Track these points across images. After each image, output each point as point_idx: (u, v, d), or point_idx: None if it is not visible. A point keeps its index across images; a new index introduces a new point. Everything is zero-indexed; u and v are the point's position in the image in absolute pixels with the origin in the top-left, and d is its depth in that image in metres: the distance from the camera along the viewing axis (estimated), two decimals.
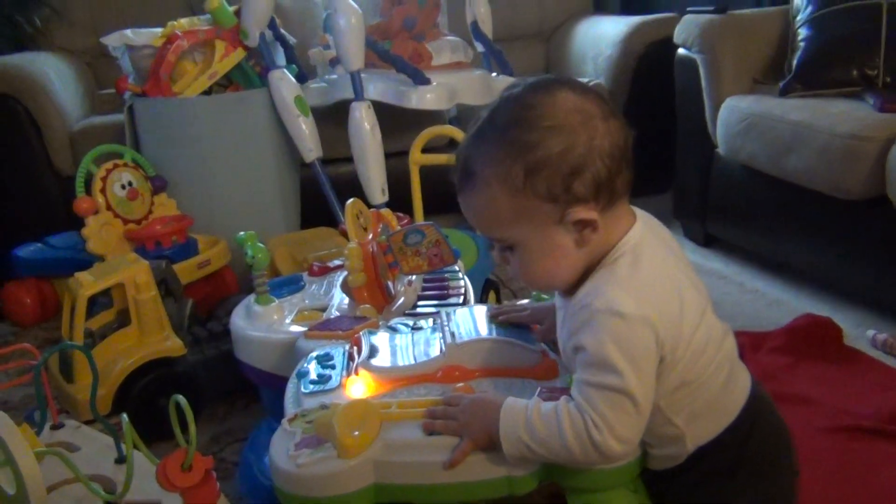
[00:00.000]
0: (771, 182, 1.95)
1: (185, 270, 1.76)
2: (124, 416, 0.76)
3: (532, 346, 0.93)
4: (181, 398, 0.73)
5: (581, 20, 3.15)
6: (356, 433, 0.78)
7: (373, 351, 0.95)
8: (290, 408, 0.90)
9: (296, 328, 1.20)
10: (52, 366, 1.46)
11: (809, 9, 2.10)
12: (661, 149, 2.43)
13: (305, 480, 0.77)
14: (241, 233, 1.31)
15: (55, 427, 0.95)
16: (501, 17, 2.71)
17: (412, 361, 0.92)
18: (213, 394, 1.56)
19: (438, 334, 0.97)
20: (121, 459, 0.86)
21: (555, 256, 0.79)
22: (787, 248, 2.02)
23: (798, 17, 2.13)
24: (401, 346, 0.97)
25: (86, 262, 1.61)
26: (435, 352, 0.93)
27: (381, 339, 0.99)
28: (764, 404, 0.86)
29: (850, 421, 1.36)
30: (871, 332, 1.69)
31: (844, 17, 2.03)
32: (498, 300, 1.98)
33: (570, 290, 0.81)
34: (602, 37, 2.83)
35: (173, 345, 1.47)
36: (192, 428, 0.72)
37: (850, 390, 1.48)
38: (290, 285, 1.38)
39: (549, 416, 0.77)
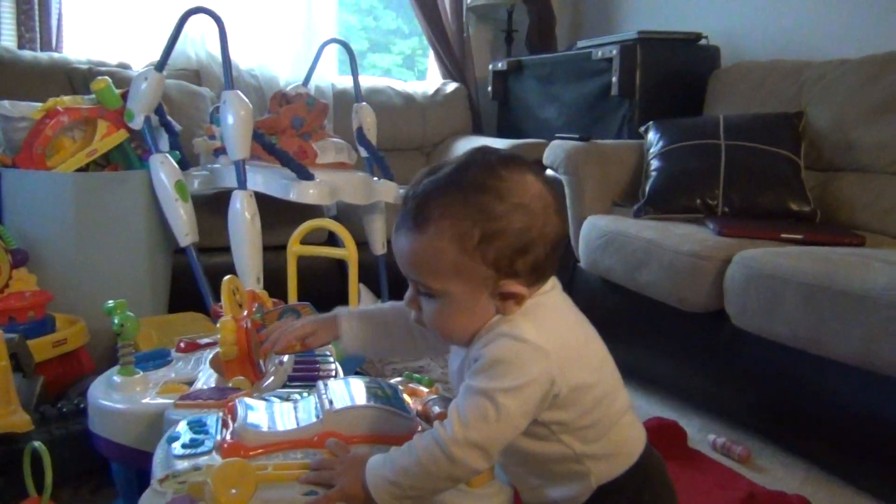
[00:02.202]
0: (626, 294, 2.12)
1: (40, 347, 1.66)
2: None
3: (407, 415, 0.96)
4: (39, 444, 0.70)
5: (461, 138, 3.36)
6: (233, 492, 0.77)
7: (248, 417, 0.94)
8: (159, 470, 0.87)
9: (161, 400, 1.17)
10: None
11: (660, 144, 2.36)
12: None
13: None
14: (110, 301, 1.27)
15: None
16: (385, 129, 2.85)
17: (288, 427, 0.93)
18: (58, 477, 1.45)
19: (314, 401, 0.98)
20: None
21: (473, 315, 0.84)
22: (640, 357, 2.16)
23: (651, 150, 2.38)
24: (277, 412, 0.97)
25: None
26: (312, 418, 0.94)
27: (255, 405, 0.99)
28: (657, 460, 0.94)
29: None
30: (711, 437, 1.82)
31: (689, 153, 2.29)
32: None
33: (466, 344, 0.86)
34: None
35: (19, 420, 1.37)
36: (49, 475, 0.70)
37: (694, 489, 1.58)
38: (156, 359, 1.34)
39: (408, 442, 0.82)
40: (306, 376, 1.32)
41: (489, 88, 3.54)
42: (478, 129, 3.61)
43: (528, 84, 3.33)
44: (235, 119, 2.03)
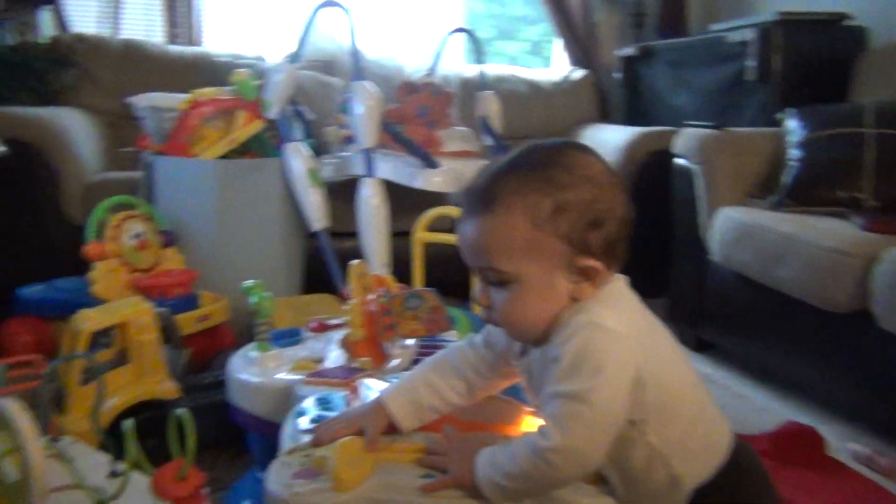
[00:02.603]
0: (762, 290, 2.02)
1: (185, 322, 1.79)
2: (127, 422, 0.78)
3: (522, 403, 0.96)
4: (183, 411, 0.76)
5: (587, 126, 3.30)
6: (352, 469, 0.80)
7: (370, 398, 0.98)
8: (287, 443, 0.92)
9: (292, 376, 1.23)
10: (44, 397, 1.46)
11: (802, 132, 2.22)
12: (656, 254, 2.50)
13: None
14: (249, 281, 1.35)
15: (52, 439, 0.97)
16: (510, 118, 2.85)
17: None
18: (200, 443, 1.56)
19: None
20: (113, 474, 0.87)
21: (548, 299, 0.81)
22: (776, 357, 2.06)
23: (790, 139, 2.25)
24: None
25: (88, 305, 1.64)
26: None
27: (378, 387, 1.02)
28: (750, 452, 0.89)
29: None
30: (852, 446, 1.71)
31: (834, 143, 2.15)
32: None
33: (540, 339, 0.84)
34: (606, 143, 2.95)
35: (167, 388, 1.48)
36: (192, 440, 0.75)
37: (832, 500, 1.49)
38: (289, 337, 1.41)
39: (511, 445, 0.81)
40: None
41: (617, 75, 3.46)
42: (605, 117, 3.53)
43: (658, 70, 3.22)
44: (364, 109, 2.10)
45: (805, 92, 2.49)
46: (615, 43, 3.63)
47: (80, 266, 1.90)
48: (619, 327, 0.78)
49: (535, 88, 3.40)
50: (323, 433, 0.89)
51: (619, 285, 0.85)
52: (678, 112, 2.99)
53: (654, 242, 2.51)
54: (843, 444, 1.74)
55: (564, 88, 3.46)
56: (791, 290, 1.91)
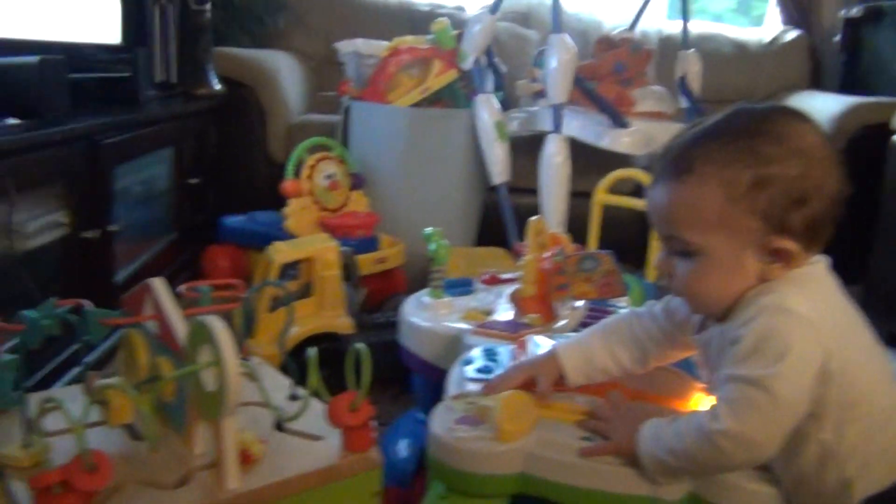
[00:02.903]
0: None
1: (365, 262, 1.88)
2: (311, 350, 0.83)
3: (693, 377, 0.93)
4: (362, 345, 0.80)
5: (795, 93, 3.05)
6: (515, 422, 0.82)
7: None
8: (453, 388, 0.95)
9: (462, 324, 1.26)
10: (235, 321, 1.60)
11: None
12: (856, 237, 2.29)
13: (460, 453, 0.82)
14: (429, 228, 1.39)
15: (244, 358, 1.06)
16: (711, 79, 2.69)
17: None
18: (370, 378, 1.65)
19: None
20: (293, 397, 0.94)
21: (732, 277, 0.77)
22: None
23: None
24: None
25: (280, 238, 1.76)
26: None
27: (545, 345, 1.02)
28: None
29: None
30: None
31: None
32: None
33: (721, 315, 0.80)
34: (815, 112, 2.62)
35: (344, 322, 1.58)
36: (367, 375, 0.79)
37: None
38: (461, 287, 1.45)
39: (678, 422, 0.78)
40: None
41: (837, 38, 3.14)
42: (817, 84, 3.24)
43: (887, 34, 2.88)
44: (558, 63, 2.06)
45: None
46: (839, 2, 3.30)
47: (278, 201, 2.05)
48: (809, 313, 0.73)
49: (740, 49, 3.18)
50: (497, 381, 0.91)
51: (817, 268, 0.79)
52: None
53: (855, 224, 2.29)
54: None
55: (774, 50, 3.21)
56: None
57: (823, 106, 2.71)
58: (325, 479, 0.77)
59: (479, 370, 0.97)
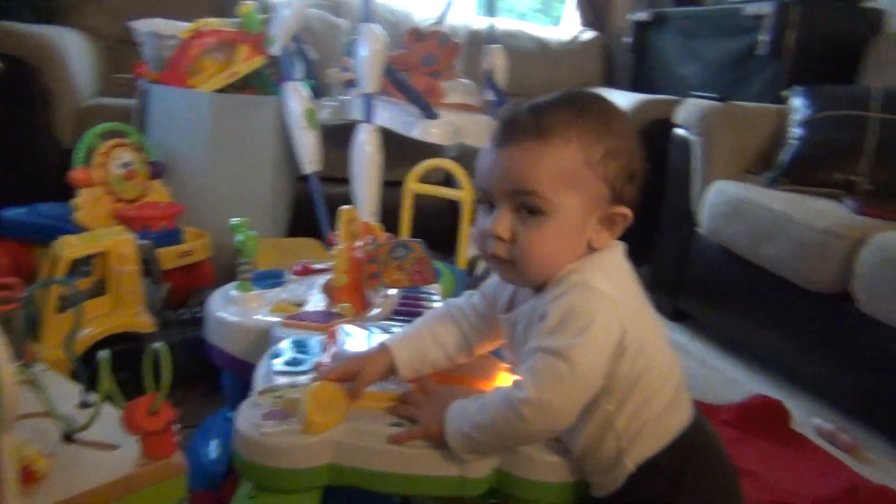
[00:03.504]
0: (745, 266, 2.02)
1: (167, 256, 1.77)
2: (102, 353, 0.78)
3: (500, 360, 0.97)
4: (161, 345, 0.76)
5: (592, 89, 3.25)
6: (323, 413, 0.81)
7: (347, 343, 0.98)
8: (260, 383, 0.92)
9: (271, 318, 1.23)
10: (16, 324, 1.46)
11: (807, 111, 2.20)
12: (643, 221, 2.49)
13: (267, 449, 0.80)
14: (235, 219, 1.34)
15: (25, 365, 0.97)
16: (515, 75, 2.79)
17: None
18: (174, 378, 1.57)
19: None
20: (84, 405, 0.87)
21: (572, 240, 0.82)
22: (750, 331, 2.08)
23: (794, 117, 2.23)
24: (375, 342, 0.99)
25: (69, 231, 1.62)
26: None
27: (355, 333, 1.02)
28: (706, 438, 0.87)
29: (790, 499, 1.39)
30: (817, 421, 1.74)
31: (837, 124, 2.13)
32: None
33: (542, 284, 0.83)
34: None
35: (143, 321, 1.48)
36: (167, 375, 0.75)
37: (791, 471, 1.52)
38: (271, 279, 1.41)
39: (483, 397, 0.81)
40: (411, 311, 1.35)
41: (627, 39, 3.40)
42: (610, 81, 3.50)
43: (669, 37, 3.17)
44: (369, 52, 2.05)
45: (815, 71, 2.47)
46: (628, 6, 3.57)
47: (67, 191, 1.88)
48: (611, 291, 0.78)
49: (542, 46, 3.35)
50: (323, 371, 0.91)
51: (617, 251, 0.86)
52: (685, 82, 2.96)
53: (643, 210, 2.50)
54: (808, 419, 1.77)
55: (572, 49, 3.41)
56: (775, 268, 1.91)
57: (618, 100, 2.90)
58: (122, 490, 0.73)
59: (288, 363, 0.95)
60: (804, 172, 2.10)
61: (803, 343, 1.89)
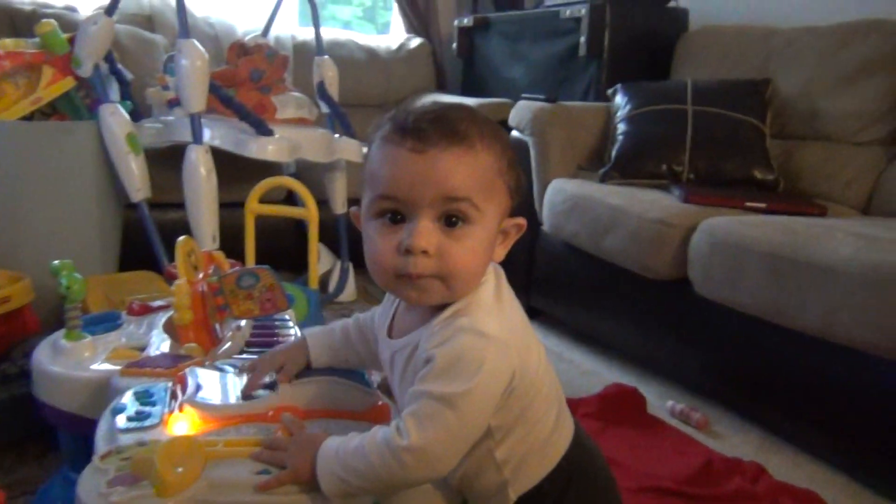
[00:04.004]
0: (590, 260, 2.10)
1: None
2: None
3: (367, 389, 0.93)
4: None
5: (424, 96, 3.28)
6: (179, 470, 0.73)
7: (199, 388, 0.90)
8: (102, 445, 0.82)
9: (109, 366, 1.11)
10: None
11: (627, 107, 2.33)
12: None
13: None
14: (56, 261, 1.21)
15: None
16: (347, 84, 2.77)
17: (241, 401, 0.89)
18: (1, 442, 1.40)
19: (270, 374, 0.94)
20: None
21: (489, 250, 0.79)
22: (601, 323, 2.16)
23: (618, 114, 2.35)
24: (229, 384, 0.93)
25: None
26: (266, 391, 0.90)
27: (207, 376, 0.94)
28: (587, 453, 0.88)
29: (654, 483, 1.45)
30: (669, 403, 1.83)
31: (657, 118, 2.27)
32: None
33: (434, 310, 0.79)
34: None
35: None
36: None
37: (652, 454, 1.59)
38: (105, 322, 1.28)
39: (359, 439, 0.76)
40: (265, 342, 1.28)
41: (454, 45, 3.46)
42: (441, 87, 3.54)
43: (494, 42, 3.25)
44: (191, 69, 1.94)
45: (633, 68, 2.61)
46: (452, 13, 3.63)
47: None
48: (500, 334, 0.75)
49: (371, 55, 3.33)
50: (250, 384, 0.91)
51: (502, 281, 0.83)
52: (513, 84, 3.05)
53: None
54: (661, 402, 1.86)
55: (401, 56, 3.42)
56: (616, 259, 2.00)
57: None
58: None
59: (132, 417, 0.86)
60: (632, 165, 2.21)
61: (649, 329, 1.98)
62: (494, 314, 0.77)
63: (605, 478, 0.89)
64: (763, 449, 1.65)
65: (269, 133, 2.07)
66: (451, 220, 0.75)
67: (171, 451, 0.75)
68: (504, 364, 0.74)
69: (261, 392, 0.90)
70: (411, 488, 0.80)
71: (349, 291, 2.54)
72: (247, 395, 0.90)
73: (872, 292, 1.39)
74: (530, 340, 0.81)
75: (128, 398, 0.91)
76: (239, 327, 1.28)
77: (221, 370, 0.98)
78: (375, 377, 1.05)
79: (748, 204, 1.92)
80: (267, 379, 0.92)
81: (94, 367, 1.12)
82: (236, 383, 0.93)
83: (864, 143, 2.12)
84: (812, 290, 1.49)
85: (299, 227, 2.68)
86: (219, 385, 0.92)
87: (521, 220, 0.82)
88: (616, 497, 0.90)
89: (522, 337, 0.79)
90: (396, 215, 0.76)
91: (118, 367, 1.07)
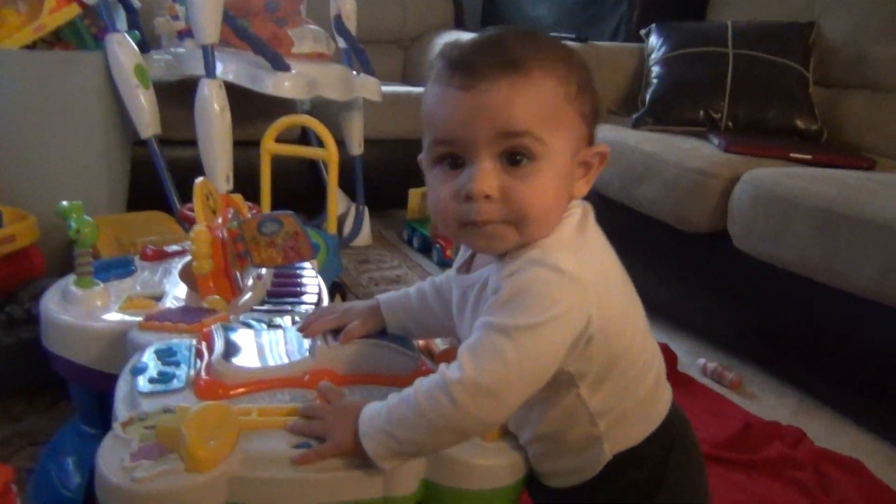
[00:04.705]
0: (621, 210, 2.00)
1: None
2: None
3: (410, 353, 0.84)
4: None
5: (442, 32, 3.14)
6: (210, 443, 0.66)
7: (227, 348, 0.82)
8: (122, 410, 0.75)
9: (125, 317, 1.03)
10: None
11: (663, 49, 2.20)
12: None
13: (143, 498, 0.64)
14: (64, 202, 1.12)
15: None
16: (362, 19, 2.61)
17: (275, 362, 0.81)
18: (8, 389, 1.34)
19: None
20: None
21: (565, 186, 0.70)
22: (632, 276, 2.07)
23: (652, 56, 2.22)
24: (260, 344, 0.85)
25: None
26: (301, 353, 0.82)
27: (236, 335, 0.86)
28: (683, 423, 0.81)
29: None
30: (701, 361, 1.76)
31: (694, 61, 2.14)
32: None
33: (525, 242, 0.70)
34: None
35: None
36: None
37: (687, 415, 1.52)
38: (118, 268, 1.19)
39: (405, 390, 0.69)
40: (287, 291, 1.21)
41: None
42: (460, 24, 3.38)
43: None
44: None
45: (665, 7, 2.47)
46: None
47: None
48: (578, 272, 0.66)
49: None
50: (310, 324, 0.86)
51: (588, 217, 0.73)
52: (537, 23, 2.91)
53: None
54: (691, 359, 1.79)
55: None
56: (650, 210, 1.90)
57: None
58: None
59: (154, 379, 0.78)
60: (667, 111, 2.10)
61: (682, 284, 1.90)
62: (572, 249, 0.68)
63: (698, 453, 0.82)
64: (801, 412, 1.59)
65: (286, 68, 1.95)
66: (514, 158, 0.67)
67: (201, 420, 0.67)
68: (577, 306, 0.66)
69: (298, 353, 0.82)
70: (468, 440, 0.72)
71: (364, 235, 2.46)
72: (304, 328, 0.87)
73: None
74: (620, 291, 0.73)
75: (148, 356, 0.83)
76: (260, 276, 1.20)
77: (250, 325, 0.90)
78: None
79: (793, 155, 1.81)
80: (306, 342, 0.84)
81: (108, 317, 1.04)
82: (269, 341, 0.85)
83: None
84: (867, 248, 1.40)
85: (313, 167, 2.58)
86: (249, 344, 0.84)
87: (604, 148, 0.72)
88: (705, 473, 0.83)
89: (605, 280, 0.69)
90: (456, 159, 0.69)
91: (135, 319, 0.98)
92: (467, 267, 0.79)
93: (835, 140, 2.06)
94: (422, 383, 0.68)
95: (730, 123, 2.04)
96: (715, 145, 1.89)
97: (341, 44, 2.42)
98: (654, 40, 2.25)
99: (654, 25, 2.30)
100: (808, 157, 1.81)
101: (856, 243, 1.42)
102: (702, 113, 2.06)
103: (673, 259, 1.92)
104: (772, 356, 1.73)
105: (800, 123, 2.02)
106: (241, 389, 0.77)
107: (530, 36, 0.69)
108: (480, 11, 3.36)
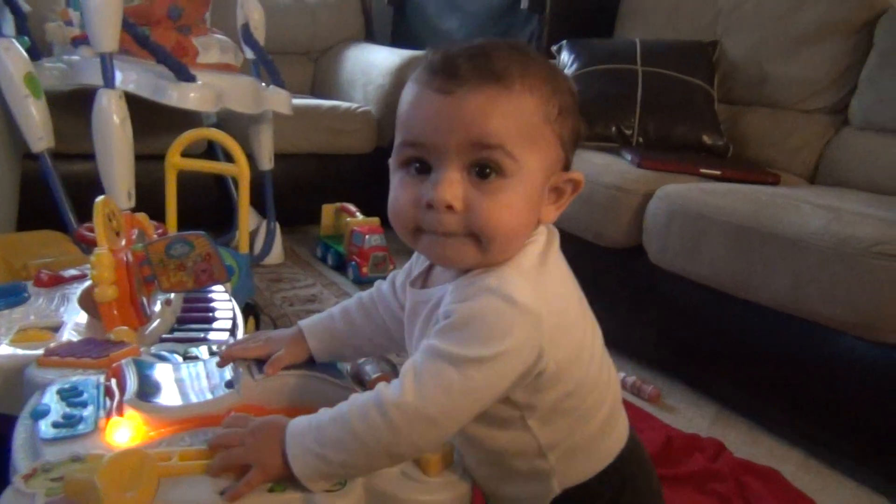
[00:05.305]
0: None
1: None
2: None
3: (341, 382, 0.80)
4: None
5: (352, 46, 3.10)
6: (128, 494, 0.59)
7: (141, 385, 0.75)
8: (23, 461, 0.66)
9: (17, 350, 0.94)
10: None
11: (574, 66, 2.23)
12: None
13: None
14: None
15: None
16: (270, 29, 2.54)
17: (196, 399, 0.74)
18: None
19: (228, 366, 0.79)
20: None
21: (534, 208, 0.67)
22: None
23: (564, 72, 2.24)
24: (178, 379, 0.78)
25: None
26: (225, 388, 0.76)
27: (149, 369, 0.79)
28: (639, 461, 0.78)
29: None
30: (621, 375, 1.77)
31: (606, 78, 2.18)
32: (257, 326, 1.79)
33: (485, 262, 0.68)
34: (373, 65, 2.80)
35: None
36: None
37: None
38: (8, 296, 1.10)
39: (337, 406, 0.65)
40: (198, 317, 1.13)
41: None
42: (370, 36, 3.35)
43: None
44: (100, 3, 1.70)
45: (575, 24, 2.51)
46: None
47: None
48: (532, 304, 0.63)
49: (298, 0, 3.11)
50: (233, 350, 0.80)
51: (552, 245, 0.71)
52: (448, 36, 2.90)
53: None
54: None
55: (329, 3, 3.22)
56: (567, 226, 1.89)
57: (381, 59, 2.80)
58: None
59: (59, 424, 0.70)
60: None
61: (600, 299, 1.87)
62: (531, 280, 0.65)
63: (657, 484, 0.81)
64: (718, 423, 1.62)
65: (191, 79, 1.85)
66: (483, 171, 0.64)
67: (116, 469, 0.60)
68: (529, 339, 0.63)
69: (221, 388, 0.76)
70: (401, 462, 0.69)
71: (276, 254, 2.38)
72: (224, 358, 0.80)
73: (843, 266, 1.35)
74: (577, 323, 0.70)
75: (50, 397, 0.75)
76: (168, 301, 1.13)
77: (164, 358, 0.83)
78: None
79: (703, 171, 1.86)
80: (228, 375, 0.77)
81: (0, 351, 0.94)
82: (188, 375, 0.78)
83: (811, 111, 2.10)
84: (779, 262, 1.45)
85: (221, 182, 2.48)
86: (166, 379, 0.77)
87: (578, 175, 0.70)
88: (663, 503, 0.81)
89: (561, 315, 0.66)
90: (424, 165, 0.66)
91: (32, 353, 0.89)
92: (423, 281, 0.76)
93: (740, 155, 2.13)
94: (356, 400, 0.65)
95: (640, 139, 2.08)
96: (628, 161, 1.92)
97: (249, 54, 2.33)
98: (565, 56, 2.28)
99: (565, 42, 2.33)
100: (718, 172, 1.86)
101: (768, 257, 1.47)
102: (614, 129, 2.09)
103: (590, 274, 1.90)
104: (689, 369, 1.76)
105: (707, 139, 2.08)
106: (160, 431, 0.70)
107: (520, 51, 0.67)
108: (391, 24, 3.33)
